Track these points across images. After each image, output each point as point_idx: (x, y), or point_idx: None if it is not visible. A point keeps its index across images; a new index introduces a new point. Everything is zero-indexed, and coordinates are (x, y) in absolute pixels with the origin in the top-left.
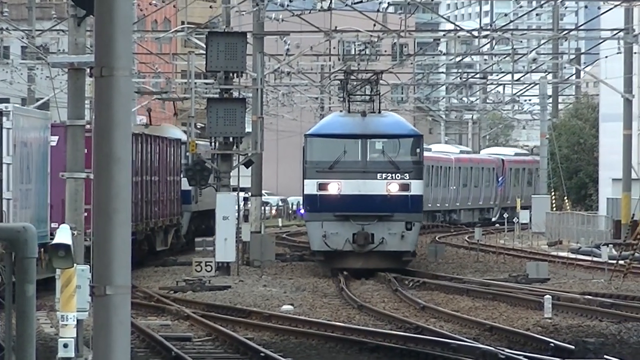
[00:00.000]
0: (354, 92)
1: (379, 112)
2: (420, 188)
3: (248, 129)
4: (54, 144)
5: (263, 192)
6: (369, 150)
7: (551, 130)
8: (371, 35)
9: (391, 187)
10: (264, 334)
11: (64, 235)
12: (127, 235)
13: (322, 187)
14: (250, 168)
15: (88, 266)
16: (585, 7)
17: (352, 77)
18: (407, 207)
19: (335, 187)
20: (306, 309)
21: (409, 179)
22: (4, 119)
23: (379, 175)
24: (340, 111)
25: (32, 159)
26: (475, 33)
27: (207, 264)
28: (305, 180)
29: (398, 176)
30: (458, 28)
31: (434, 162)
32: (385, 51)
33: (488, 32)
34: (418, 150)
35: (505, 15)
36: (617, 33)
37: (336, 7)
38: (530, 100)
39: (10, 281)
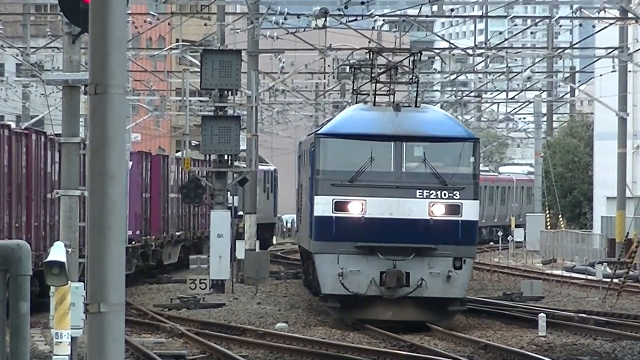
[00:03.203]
0: (381, 79)
1: (416, 105)
2: (476, 211)
3: (243, 146)
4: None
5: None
6: (405, 157)
7: (545, 149)
8: (366, 53)
9: (435, 209)
10: (258, 352)
11: (58, 252)
12: (122, 253)
13: (339, 206)
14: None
15: (82, 283)
16: (580, 25)
17: (383, 56)
18: (456, 237)
19: (357, 208)
20: (300, 326)
21: (460, 199)
22: None
23: (418, 192)
24: (365, 103)
25: None
26: (470, 51)
27: (202, 281)
28: (315, 197)
29: (445, 194)
30: (453, 46)
31: None
32: (381, 69)
33: (483, 50)
34: (473, 159)
35: (500, 33)
36: (611, 51)
37: (331, 25)
38: (524, 118)
39: (4, 298)
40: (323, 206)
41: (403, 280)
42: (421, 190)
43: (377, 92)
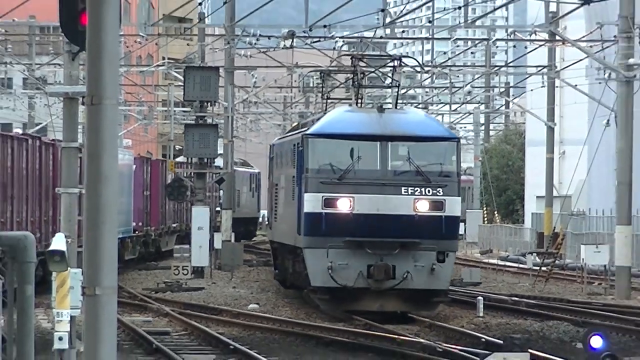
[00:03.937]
0: (363, 83)
1: (396, 107)
2: (458, 207)
3: (220, 150)
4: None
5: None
6: (391, 156)
7: (483, 154)
8: (328, 70)
9: (420, 205)
10: (233, 329)
11: (59, 242)
12: (114, 243)
13: (328, 203)
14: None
15: (80, 269)
16: (514, 46)
17: (365, 62)
18: (439, 231)
19: (345, 204)
20: (270, 307)
21: (443, 195)
22: None
23: (403, 189)
24: (350, 105)
25: (124, 180)
26: (418, 69)
27: (184, 268)
28: (305, 194)
29: (429, 191)
30: (403, 64)
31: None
32: (340, 84)
33: (429, 68)
34: (454, 157)
35: (444, 53)
36: (541, 69)
37: (297, 46)
38: (465, 127)
39: (12, 282)
40: (313, 203)
41: (390, 273)
42: (406, 188)
43: (343, 99)
